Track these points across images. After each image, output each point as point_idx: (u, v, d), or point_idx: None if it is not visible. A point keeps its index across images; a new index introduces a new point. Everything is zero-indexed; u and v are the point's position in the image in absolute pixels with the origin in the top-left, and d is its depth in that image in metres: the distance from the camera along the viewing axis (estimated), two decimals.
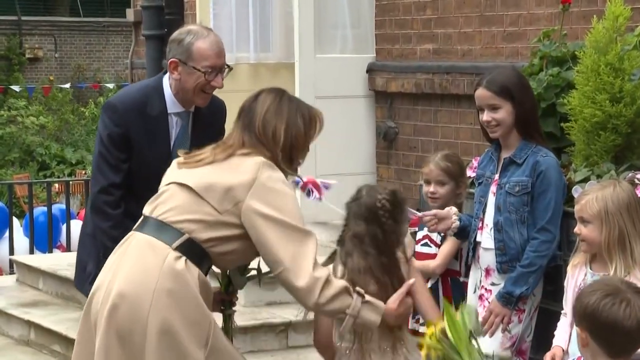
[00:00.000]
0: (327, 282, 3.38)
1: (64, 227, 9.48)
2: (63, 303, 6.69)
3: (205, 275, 3.49)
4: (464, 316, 3.10)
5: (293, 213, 3.41)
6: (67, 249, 8.91)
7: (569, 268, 3.76)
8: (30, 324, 6.46)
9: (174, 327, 3.33)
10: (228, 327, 3.80)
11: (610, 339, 2.66)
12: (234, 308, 3.85)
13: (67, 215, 9.07)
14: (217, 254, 3.47)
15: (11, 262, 8.06)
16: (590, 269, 3.69)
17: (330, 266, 3.58)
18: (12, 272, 8.03)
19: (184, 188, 3.47)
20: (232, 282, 3.81)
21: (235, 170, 3.45)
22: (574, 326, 2.79)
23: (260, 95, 3.63)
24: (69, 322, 6.19)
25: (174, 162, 3.64)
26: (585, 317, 2.67)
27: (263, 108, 3.57)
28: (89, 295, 3.52)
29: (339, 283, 3.43)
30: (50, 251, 8.82)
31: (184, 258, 3.39)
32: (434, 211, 4.29)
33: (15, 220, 11.97)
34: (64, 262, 7.11)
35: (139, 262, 3.41)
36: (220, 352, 3.43)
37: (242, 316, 5.97)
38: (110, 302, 3.37)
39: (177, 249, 3.40)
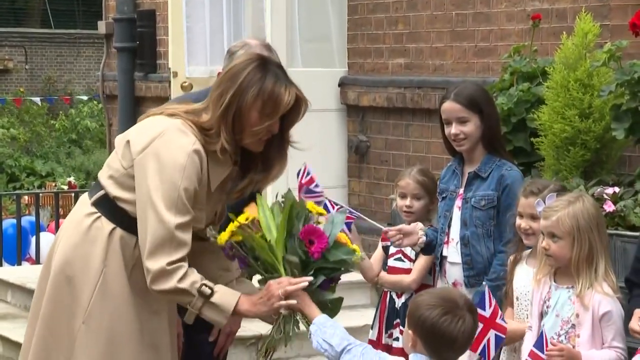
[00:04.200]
0: (170, 275, 3.23)
1: (33, 240, 9.40)
2: None
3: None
4: (273, 209, 3.23)
5: (168, 188, 3.21)
6: (37, 261, 8.83)
7: (533, 282, 3.78)
8: None
9: (67, 276, 3.35)
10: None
11: (440, 349, 2.99)
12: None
13: (37, 228, 9.00)
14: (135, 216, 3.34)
15: None
16: (555, 281, 3.71)
17: (183, 263, 3.31)
18: None
19: None
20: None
21: (146, 129, 3.35)
22: (406, 326, 3.05)
23: (242, 56, 3.49)
24: None
25: None
26: (423, 329, 2.97)
27: (229, 65, 3.40)
28: None
29: (179, 283, 3.25)
30: (19, 264, 8.75)
31: (97, 214, 3.36)
32: (398, 226, 4.27)
33: None
34: (32, 275, 7.05)
35: (69, 217, 3.49)
36: (103, 315, 3.33)
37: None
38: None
39: (93, 204, 3.38)
